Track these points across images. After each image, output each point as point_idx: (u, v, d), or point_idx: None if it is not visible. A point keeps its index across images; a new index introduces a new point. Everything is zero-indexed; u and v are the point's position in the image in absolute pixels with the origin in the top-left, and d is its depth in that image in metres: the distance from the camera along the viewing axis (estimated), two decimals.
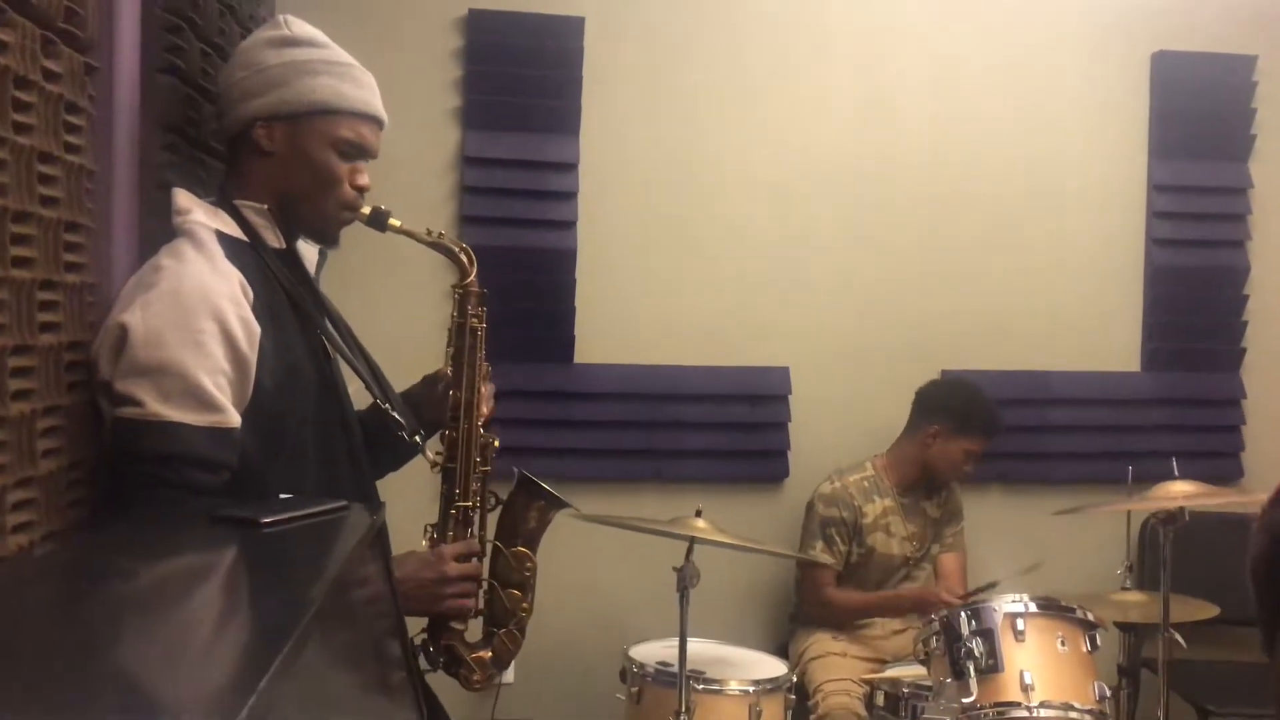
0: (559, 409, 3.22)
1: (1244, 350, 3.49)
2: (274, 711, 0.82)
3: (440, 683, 1.93)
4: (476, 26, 3.15)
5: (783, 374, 3.31)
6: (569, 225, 3.20)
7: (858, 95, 3.33)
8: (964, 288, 3.39)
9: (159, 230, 1.58)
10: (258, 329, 1.51)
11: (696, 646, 2.72)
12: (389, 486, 2.90)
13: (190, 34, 1.69)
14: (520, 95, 3.15)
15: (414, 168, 3.12)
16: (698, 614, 2.87)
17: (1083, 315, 3.45)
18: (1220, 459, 3.47)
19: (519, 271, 3.17)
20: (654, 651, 2.65)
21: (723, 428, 3.30)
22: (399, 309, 2.97)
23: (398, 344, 2.15)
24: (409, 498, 2.03)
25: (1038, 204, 3.42)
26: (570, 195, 3.20)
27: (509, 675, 3.18)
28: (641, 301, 3.25)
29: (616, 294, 3.24)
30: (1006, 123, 3.39)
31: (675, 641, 2.44)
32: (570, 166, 3.19)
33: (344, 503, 1.33)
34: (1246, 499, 2.99)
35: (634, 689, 2.59)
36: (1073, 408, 3.43)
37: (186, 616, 1.04)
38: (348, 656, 1.19)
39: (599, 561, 3.16)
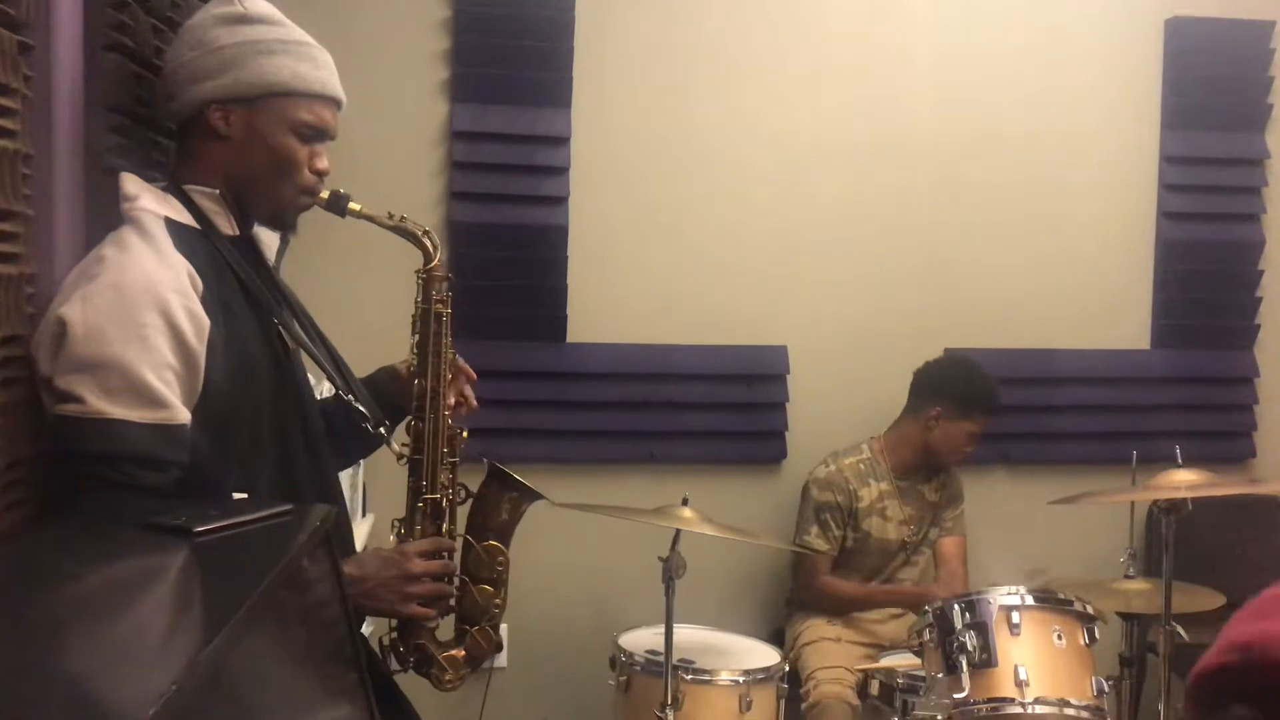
0: (551, 389, 3.15)
1: (1258, 327, 3.39)
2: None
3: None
4: None
5: (780, 353, 3.23)
6: (560, 201, 3.12)
7: (859, 67, 3.22)
8: (968, 263, 3.30)
9: (108, 217, 1.51)
10: (207, 322, 1.44)
11: (688, 633, 2.68)
12: (374, 480, 2.86)
13: (138, 9, 1.61)
14: (510, 67, 3.06)
15: (401, 142, 3.05)
16: (691, 598, 2.83)
17: (1091, 292, 3.35)
18: (1232, 439, 3.38)
19: (509, 248, 3.10)
20: (644, 639, 2.60)
21: (719, 408, 3.23)
22: (364, 295, 2.87)
23: (364, 332, 2.09)
24: (396, 491, 1.96)
25: (1045, 177, 3.32)
26: (562, 170, 3.11)
27: (501, 659, 3.15)
28: (636, 279, 3.18)
29: (610, 271, 3.16)
30: (1013, 93, 3.28)
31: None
32: (562, 140, 3.10)
33: (286, 508, 1.27)
34: (1250, 488, 2.91)
35: (623, 678, 2.54)
36: (1080, 387, 3.34)
37: (102, 628, 0.99)
38: (283, 663, 1.13)
39: (591, 546, 3.10)
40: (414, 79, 3.06)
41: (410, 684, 1.86)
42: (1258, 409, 3.40)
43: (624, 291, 3.17)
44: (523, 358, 3.11)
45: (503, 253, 3.09)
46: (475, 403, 1.82)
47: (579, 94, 3.10)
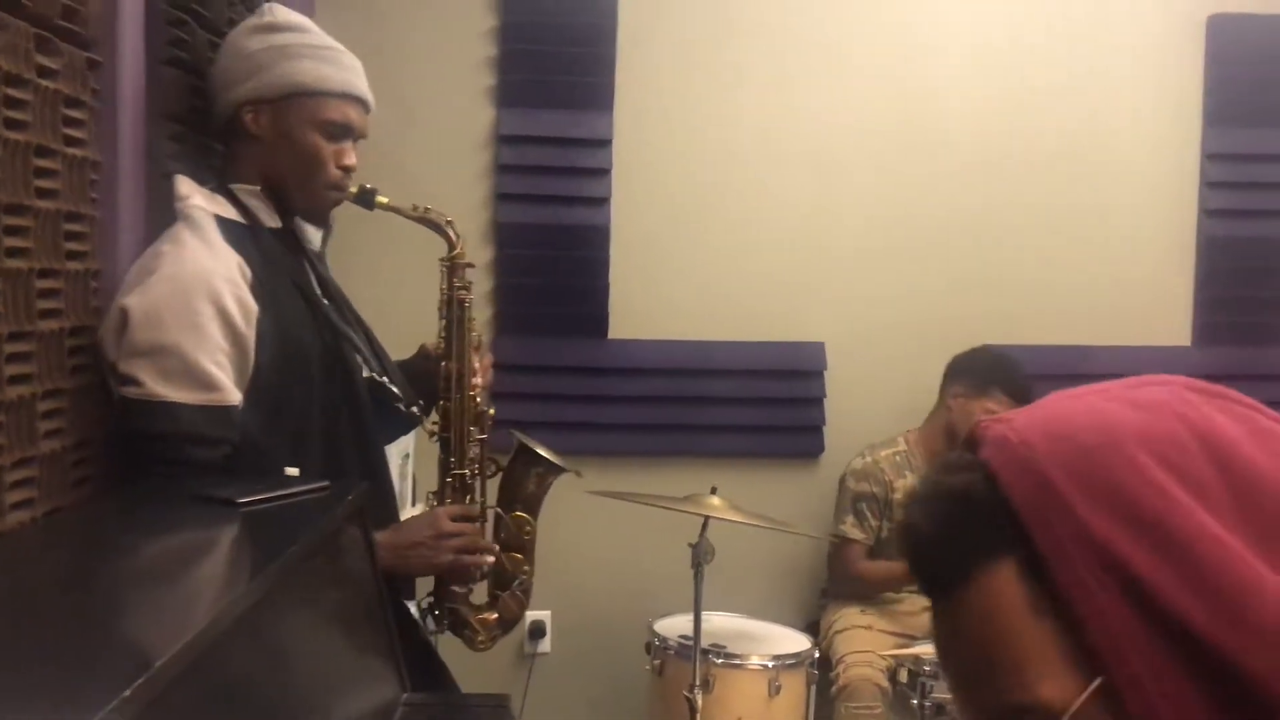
0: (593, 384, 3.25)
1: None
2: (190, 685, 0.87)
3: (485, 656, 2.01)
4: (510, 5, 3.17)
5: (818, 349, 3.29)
6: (603, 201, 3.22)
7: (897, 64, 3.27)
8: (1006, 261, 3.33)
9: (166, 217, 1.64)
10: (255, 308, 1.56)
11: (722, 621, 2.77)
12: (424, 471, 2.98)
13: (194, 25, 1.74)
14: (554, 72, 3.17)
15: (449, 146, 3.18)
16: (727, 588, 2.91)
17: (1131, 289, 3.36)
18: None
19: (553, 248, 3.21)
20: (678, 625, 2.68)
21: (757, 403, 3.30)
22: (402, 283, 2.97)
23: (403, 318, 2.18)
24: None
25: (1085, 173, 3.33)
26: (604, 172, 3.21)
27: (545, 645, 3.27)
28: (676, 277, 3.26)
29: (651, 269, 3.25)
30: (1053, 89, 3.30)
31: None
32: (604, 143, 3.20)
33: (325, 483, 1.39)
34: None
35: (656, 661, 2.63)
36: None
37: (149, 588, 1.10)
38: (314, 625, 1.24)
39: (631, 537, 3.20)
40: (462, 86, 3.18)
41: (455, 666, 1.98)
42: None
43: (664, 289, 3.26)
44: (566, 353, 3.22)
45: (547, 252, 3.20)
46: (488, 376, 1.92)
47: (620, 98, 3.20)
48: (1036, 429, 0.68)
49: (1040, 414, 0.70)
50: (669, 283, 3.26)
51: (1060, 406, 0.71)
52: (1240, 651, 0.61)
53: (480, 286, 3.17)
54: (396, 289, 2.89)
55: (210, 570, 1.13)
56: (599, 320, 3.23)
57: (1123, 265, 3.35)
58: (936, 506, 0.70)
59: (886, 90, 3.27)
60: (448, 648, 2.01)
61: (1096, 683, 0.63)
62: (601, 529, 3.20)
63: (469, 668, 2.06)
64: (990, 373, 2.93)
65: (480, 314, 3.17)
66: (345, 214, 2.00)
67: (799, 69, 3.25)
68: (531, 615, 3.21)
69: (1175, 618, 0.62)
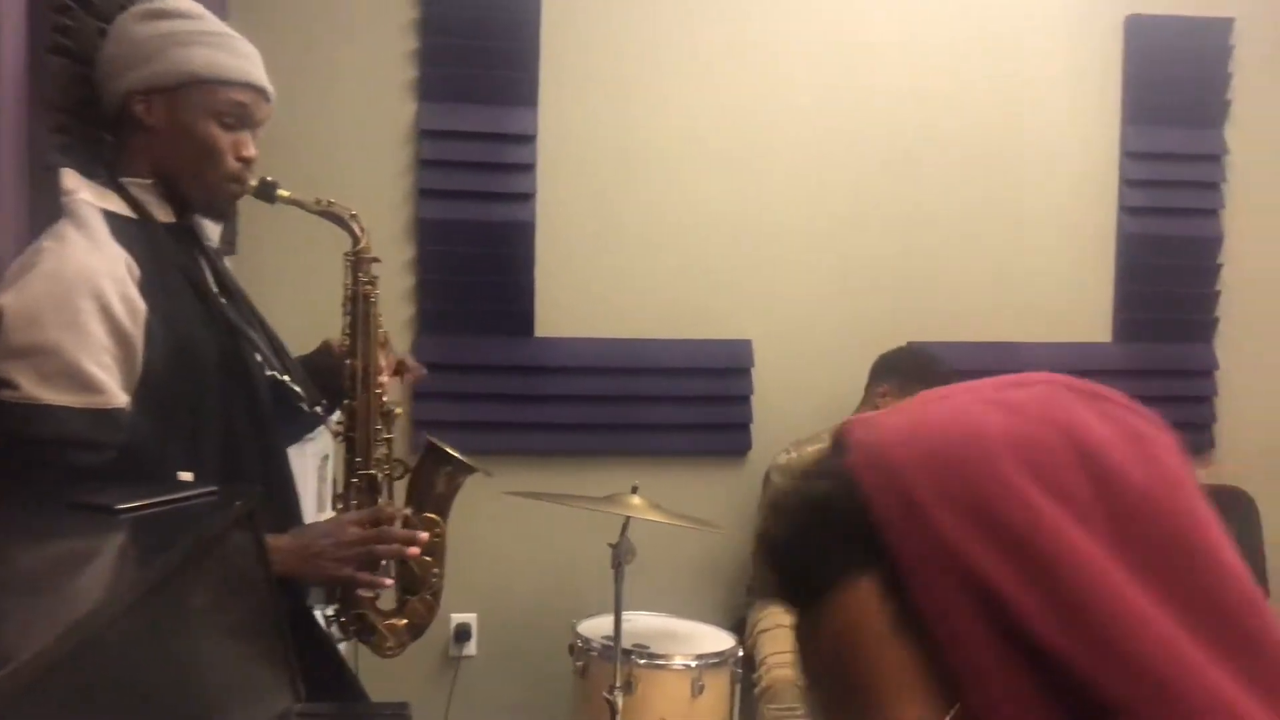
0: (519, 383, 3.21)
1: (1217, 320, 3.44)
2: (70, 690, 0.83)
3: (410, 660, 1.95)
4: None
5: (745, 347, 3.29)
6: (527, 197, 3.18)
7: (822, 63, 3.28)
8: (931, 258, 3.35)
9: (52, 213, 1.57)
10: (143, 306, 1.50)
11: (648, 620, 2.75)
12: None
13: (80, 12, 1.67)
14: (477, 67, 3.13)
15: (370, 141, 3.12)
16: (655, 587, 2.89)
17: (1053, 286, 3.40)
18: (1192, 430, 3.42)
19: (478, 245, 3.16)
20: (602, 626, 2.66)
21: (685, 401, 3.28)
22: (309, 280, 2.88)
23: (310, 316, 2.11)
24: None
25: (1007, 172, 3.37)
26: (528, 167, 3.17)
27: (470, 648, 3.22)
28: (602, 274, 3.24)
29: (577, 266, 3.22)
30: (975, 89, 3.33)
31: (624, 616, 2.45)
32: (528, 138, 3.16)
33: (212, 488, 1.33)
34: (1207, 479, 2.95)
35: (579, 663, 2.60)
36: None
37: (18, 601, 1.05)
38: (197, 633, 1.19)
39: (558, 538, 3.16)
40: (382, 79, 3.12)
41: (380, 671, 1.94)
42: (1217, 401, 3.44)
43: (591, 286, 3.23)
44: (491, 352, 3.17)
45: (471, 249, 3.15)
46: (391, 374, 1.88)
47: (545, 92, 3.16)
48: (902, 435, 0.65)
49: (907, 418, 0.67)
50: (596, 280, 3.23)
51: (929, 411, 0.68)
52: (1101, 676, 0.58)
53: (402, 284, 3.13)
54: (303, 287, 2.82)
55: (78, 579, 1.07)
56: (525, 318, 3.19)
57: (1044, 262, 3.39)
58: (797, 515, 0.67)
59: (812, 89, 3.27)
60: (370, 654, 1.96)
61: (954, 710, 0.60)
62: (530, 530, 3.17)
63: (396, 673, 2.01)
64: (917, 370, 2.94)
65: (402, 312, 3.12)
66: (250, 209, 1.95)
67: (723, 66, 3.24)
68: (458, 618, 3.17)
69: (1037, 641, 0.59)
